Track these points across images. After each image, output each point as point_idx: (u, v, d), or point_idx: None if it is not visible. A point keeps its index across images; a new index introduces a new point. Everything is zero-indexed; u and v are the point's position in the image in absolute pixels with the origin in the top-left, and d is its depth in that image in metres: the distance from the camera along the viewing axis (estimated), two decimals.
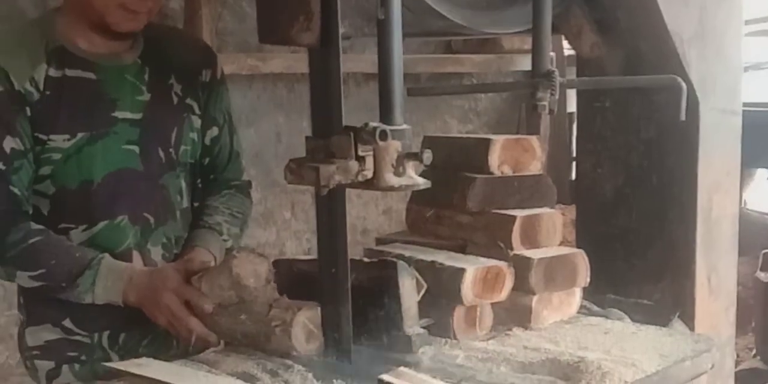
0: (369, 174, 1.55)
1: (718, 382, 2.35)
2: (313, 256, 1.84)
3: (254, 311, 1.80)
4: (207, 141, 2.15)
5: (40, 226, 1.92)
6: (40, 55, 1.89)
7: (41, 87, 1.88)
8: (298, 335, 1.74)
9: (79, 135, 1.92)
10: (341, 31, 1.63)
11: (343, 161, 1.55)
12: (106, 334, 2.03)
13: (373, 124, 1.50)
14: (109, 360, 1.97)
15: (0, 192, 1.88)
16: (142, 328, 2.01)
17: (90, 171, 1.95)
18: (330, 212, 1.73)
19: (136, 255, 2.00)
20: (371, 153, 1.53)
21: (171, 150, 2.05)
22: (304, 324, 1.75)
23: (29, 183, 1.92)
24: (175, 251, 2.08)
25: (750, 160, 2.57)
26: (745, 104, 2.44)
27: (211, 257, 2.03)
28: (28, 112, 1.88)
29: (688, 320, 2.26)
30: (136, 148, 1.99)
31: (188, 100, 2.08)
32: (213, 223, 2.11)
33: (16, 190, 1.89)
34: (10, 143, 1.87)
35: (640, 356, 1.77)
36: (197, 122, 2.11)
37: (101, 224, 1.98)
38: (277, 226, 5.00)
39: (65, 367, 2.01)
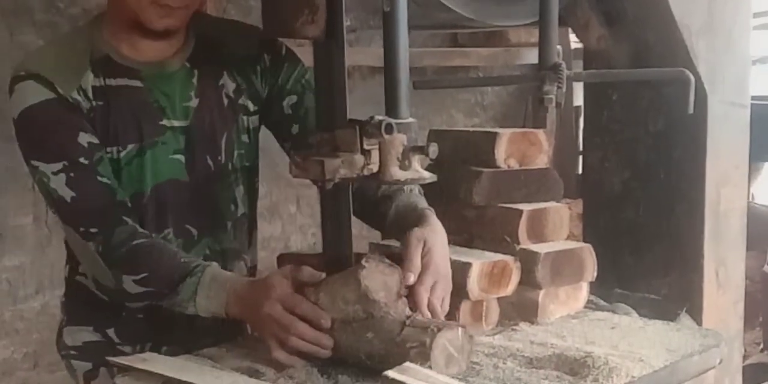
0: (374, 168, 1.54)
1: (726, 377, 2.34)
2: (319, 250, 1.83)
3: (384, 329, 1.59)
4: (287, 110, 2.01)
5: (145, 231, 1.85)
6: (84, 65, 1.84)
7: (90, 96, 1.83)
8: (438, 360, 1.54)
9: (130, 146, 1.87)
10: (346, 24, 1.62)
11: (349, 155, 1.55)
12: (148, 346, 1.97)
13: (378, 117, 1.49)
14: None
15: (92, 185, 1.82)
16: (186, 346, 1.86)
17: (140, 183, 1.89)
18: (335, 206, 1.72)
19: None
20: (377, 146, 1.53)
21: (220, 158, 1.97)
22: (444, 346, 1.56)
23: (112, 173, 1.86)
24: (220, 264, 1.89)
25: (758, 154, 2.56)
26: (753, 97, 2.43)
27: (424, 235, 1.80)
28: (84, 119, 1.83)
29: (696, 315, 2.25)
30: (182, 157, 1.92)
31: (241, 100, 2.00)
32: (417, 217, 1.88)
33: (104, 180, 1.83)
34: (85, 138, 1.82)
35: (648, 351, 1.76)
36: (252, 121, 2.02)
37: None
38: (283, 220, 4.99)
39: (103, 369, 1.95)
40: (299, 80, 2.03)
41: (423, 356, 1.53)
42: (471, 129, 2.37)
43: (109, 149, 1.85)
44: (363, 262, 1.65)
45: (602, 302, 2.13)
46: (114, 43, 1.89)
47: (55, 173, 1.80)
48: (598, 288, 2.12)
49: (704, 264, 2.27)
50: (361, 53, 4.21)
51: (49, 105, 1.80)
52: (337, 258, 1.74)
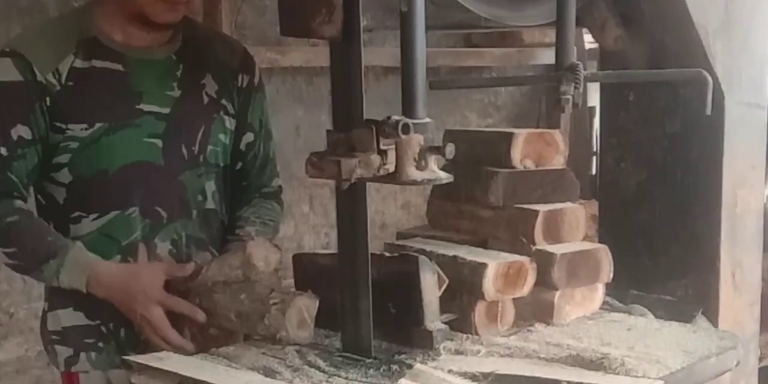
0: (391, 168, 1.54)
1: (742, 380, 2.32)
2: (332, 250, 1.83)
3: (255, 292, 1.83)
4: (242, 146, 2.15)
5: (24, 207, 1.95)
6: (69, 46, 1.92)
7: (63, 78, 1.90)
8: (292, 318, 1.76)
9: (98, 125, 1.93)
10: (362, 23, 1.61)
11: (365, 155, 1.54)
12: (122, 322, 2.00)
13: (395, 117, 1.49)
14: (124, 349, 1.98)
15: None
16: None
17: (106, 161, 1.95)
18: (351, 206, 1.71)
19: (141, 247, 1.99)
20: (393, 147, 1.52)
21: (194, 148, 2.04)
22: (300, 309, 1.77)
23: (31, 172, 1.95)
24: (186, 250, 2.05)
25: None
26: None
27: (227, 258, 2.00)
28: (48, 103, 1.91)
29: (712, 316, 2.24)
30: (159, 142, 1.99)
31: (223, 101, 2.08)
32: (244, 234, 2.09)
33: (13, 176, 1.92)
34: (19, 131, 1.90)
35: (664, 353, 1.75)
36: (230, 123, 2.10)
37: (112, 214, 1.98)
38: (296, 220, 4.99)
39: (83, 355, 2.02)
40: (260, 118, 2.16)
41: (281, 312, 1.75)
42: (487, 129, 2.38)
43: (73, 126, 1.92)
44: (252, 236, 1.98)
45: (618, 303, 2.12)
46: (105, 28, 1.95)
47: None
48: (613, 289, 2.11)
49: (720, 265, 2.25)
50: (374, 53, 4.21)
51: (9, 87, 1.89)
52: (352, 258, 1.73)
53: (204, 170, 2.06)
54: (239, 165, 2.17)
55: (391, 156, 1.53)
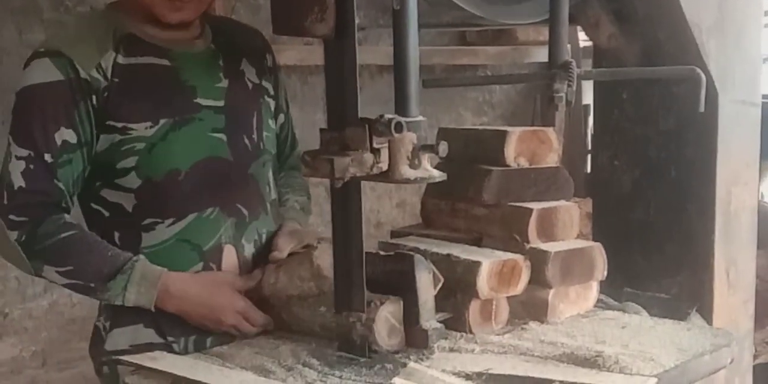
0: (384, 166, 1.54)
1: (736, 377, 2.33)
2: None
3: (333, 303, 1.76)
4: (277, 128, 2.11)
5: (75, 222, 1.84)
6: (107, 42, 1.84)
7: (109, 74, 1.81)
8: (380, 330, 1.70)
9: (162, 121, 1.84)
10: (356, 22, 1.61)
11: (358, 153, 1.54)
12: (191, 339, 1.91)
13: (388, 116, 1.49)
14: None
15: (43, 184, 1.81)
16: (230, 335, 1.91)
17: (177, 159, 1.85)
18: (345, 205, 1.71)
19: (228, 250, 1.92)
20: (386, 145, 1.52)
21: (254, 137, 1.97)
22: (387, 318, 1.71)
23: (77, 180, 1.85)
24: (264, 250, 1.97)
25: None
26: (764, 96, 2.42)
27: (300, 232, 2.02)
28: (95, 101, 1.81)
29: (707, 314, 2.24)
30: (223, 136, 1.91)
31: (263, 82, 2.05)
32: (284, 199, 2.08)
33: (60, 184, 1.82)
34: (63, 135, 1.80)
35: (659, 350, 1.75)
36: (273, 105, 2.07)
37: (190, 217, 1.87)
38: None
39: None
40: (286, 97, 2.14)
41: (367, 327, 1.69)
42: (481, 127, 2.37)
43: (136, 126, 1.82)
44: (315, 243, 1.89)
45: (612, 301, 2.12)
46: (138, 25, 1.89)
47: (18, 158, 1.80)
48: (608, 287, 2.11)
49: (715, 263, 2.26)
50: (369, 52, 4.21)
51: (50, 88, 1.79)
52: (347, 257, 1.73)
53: (265, 159, 2.01)
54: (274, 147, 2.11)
55: (385, 154, 1.53)
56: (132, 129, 1.82)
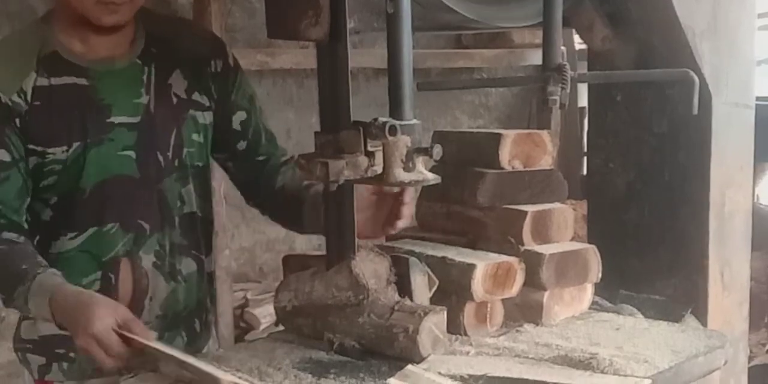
0: (378, 169, 1.54)
1: (731, 378, 2.33)
2: (324, 251, 1.83)
3: (375, 314, 1.71)
4: (236, 126, 2.07)
5: (11, 236, 1.87)
6: (30, 64, 1.87)
7: (29, 98, 1.86)
8: (425, 342, 1.66)
9: (75, 144, 1.89)
10: (350, 25, 1.62)
11: (353, 156, 1.55)
12: None
13: (382, 119, 1.49)
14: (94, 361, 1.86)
15: None
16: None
17: (84, 180, 1.91)
18: (339, 208, 1.72)
19: (124, 263, 1.95)
20: (381, 148, 1.53)
21: (169, 154, 1.98)
22: (431, 330, 1.67)
23: (19, 193, 1.89)
24: (170, 259, 2.00)
25: (763, 155, 2.55)
26: (757, 98, 2.42)
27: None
28: (18, 124, 1.85)
29: (701, 316, 2.24)
30: (132, 154, 1.94)
31: (194, 96, 2.01)
32: (313, 190, 1.95)
33: None
34: None
35: (653, 352, 1.76)
36: (204, 117, 2.04)
37: (90, 231, 1.94)
38: None
39: (55, 365, 1.99)
40: (246, 94, 2.09)
41: (410, 339, 1.64)
42: (475, 130, 2.38)
43: (52, 150, 1.87)
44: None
45: (607, 303, 2.13)
46: (64, 40, 1.90)
47: None
48: (602, 289, 2.11)
49: (709, 265, 2.26)
50: (365, 55, 4.22)
51: None
52: (340, 259, 1.74)
53: (181, 174, 2.01)
54: (243, 144, 2.09)
55: (379, 157, 1.54)
56: (49, 153, 1.88)
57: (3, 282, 1.83)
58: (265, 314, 4.41)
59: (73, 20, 1.88)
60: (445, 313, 1.70)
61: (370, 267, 1.73)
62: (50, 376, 2.00)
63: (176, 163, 1.99)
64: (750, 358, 2.90)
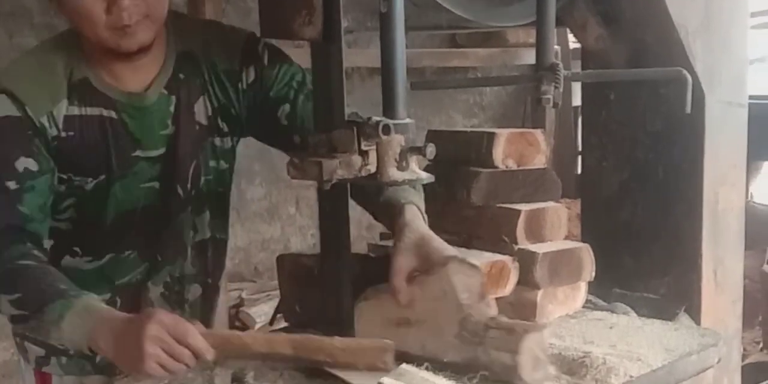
0: (372, 168, 1.55)
1: (725, 377, 2.34)
2: (319, 251, 1.83)
3: (468, 330, 1.58)
4: (283, 121, 1.92)
5: (38, 253, 1.77)
6: (62, 89, 1.80)
7: (60, 125, 1.80)
8: (525, 364, 1.53)
9: (100, 177, 1.86)
10: (344, 25, 1.62)
11: (346, 156, 1.55)
12: None
13: (375, 118, 1.50)
14: (91, 358, 1.91)
15: (7, 209, 1.77)
16: None
17: (106, 211, 1.89)
18: (333, 207, 1.72)
19: (136, 289, 1.97)
20: (374, 147, 1.53)
21: (188, 186, 1.95)
22: (532, 350, 1.54)
23: (44, 205, 1.82)
24: (177, 288, 2.02)
25: (756, 153, 2.56)
26: (750, 97, 2.43)
27: (424, 247, 1.72)
28: (48, 146, 1.80)
29: (695, 314, 2.25)
30: (156, 184, 1.92)
31: (216, 121, 1.94)
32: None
33: (24, 209, 1.77)
34: (23, 163, 1.77)
35: (646, 351, 1.76)
36: (225, 142, 1.97)
37: (107, 257, 1.95)
38: (282, 222, 5.00)
39: (54, 359, 1.99)
40: (288, 84, 1.94)
41: (511, 361, 1.51)
42: (469, 129, 2.37)
43: (77, 179, 1.85)
44: (446, 263, 1.63)
45: (601, 302, 2.13)
46: (92, 66, 1.83)
47: None
48: (596, 288, 2.12)
49: (702, 263, 2.27)
50: (359, 54, 4.22)
51: (7, 121, 1.77)
52: (335, 259, 1.74)
53: (197, 204, 1.98)
54: (296, 138, 1.90)
55: (372, 156, 1.54)
56: (74, 180, 1.86)
57: (35, 296, 1.68)
58: (260, 314, 4.41)
59: (96, 47, 1.79)
60: (544, 330, 1.59)
61: (462, 280, 1.61)
62: (48, 368, 2.00)
63: (193, 193, 1.96)
64: (743, 357, 2.91)
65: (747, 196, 2.62)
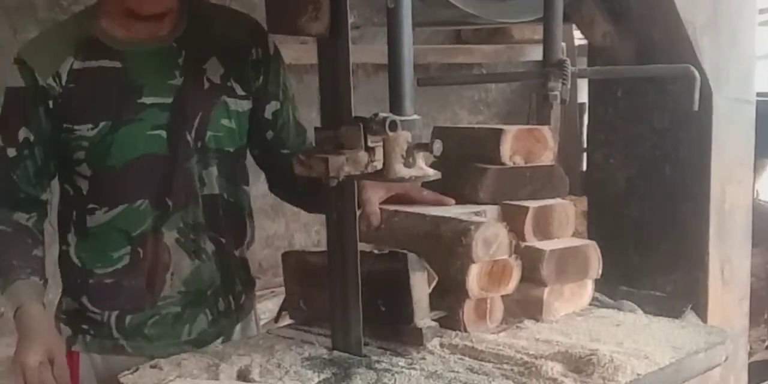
0: (379, 165, 1.54)
1: (731, 375, 2.33)
2: (323, 248, 1.83)
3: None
4: (268, 115, 2.12)
5: (20, 217, 2.02)
6: (69, 49, 1.97)
7: (63, 81, 1.96)
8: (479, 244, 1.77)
9: (101, 124, 1.96)
10: (350, 20, 1.61)
11: (353, 152, 1.54)
12: (114, 314, 2.07)
13: (382, 114, 1.49)
14: (114, 337, 2.07)
15: (2, 174, 2.00)
16: (148, 311, 2.06)
17: (113, 158, 1.98)
18: (340, 204, 1.71)
19: (153, 237, 2.03)
20: (381, 144, 1.52)
21: (194, 135, 2.03)
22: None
23: (39, 171, 2.02)
24: (193, 236, 2.06)
25: (763, 151, 2.55)
26: (758, 94, 2.42)
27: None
28: (51, 106, 1.97)
29: (701, 312, 2.24)
30: (163, 133, 1.99)
31: (229, 83, 2.06)
32: None
33: (14, 177, 2.00)
34: (24, 133, 1.98)
35: (653, 348, 1.75)
36: (239, 105, 2.07)
37: (120, 207, 2.02)
38: (287, 218, 4.99)
39: (80, 337, 2.09)
40: (281, 86, 2.13)
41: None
42: (476, 126, 2.37)
43: (79, 127, 1.97)
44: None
45: (607, 299, 2.12)
46: (106, 26, 1.99)
47: None
48: (603, 285, 2.11)
49: (709, 261, 2.26)
50: (364, 51, 4.22)
51: (15, 93, 1.99)
52: (341, 256, 1.73)
53: (202, 157, 2.04)
54: (270, 134, 2.14)
55: (379, 153, 1.53)
56: (76, 130, 1.97)
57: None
58: (264, 310, 4.40)
59: (119, 9, 1.96)
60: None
61: None
62: (76, 347, 2.10)
63: (198, 145, 2.03)
64: (750, 354, 2.90)
65: (754, 194, 2.61)
